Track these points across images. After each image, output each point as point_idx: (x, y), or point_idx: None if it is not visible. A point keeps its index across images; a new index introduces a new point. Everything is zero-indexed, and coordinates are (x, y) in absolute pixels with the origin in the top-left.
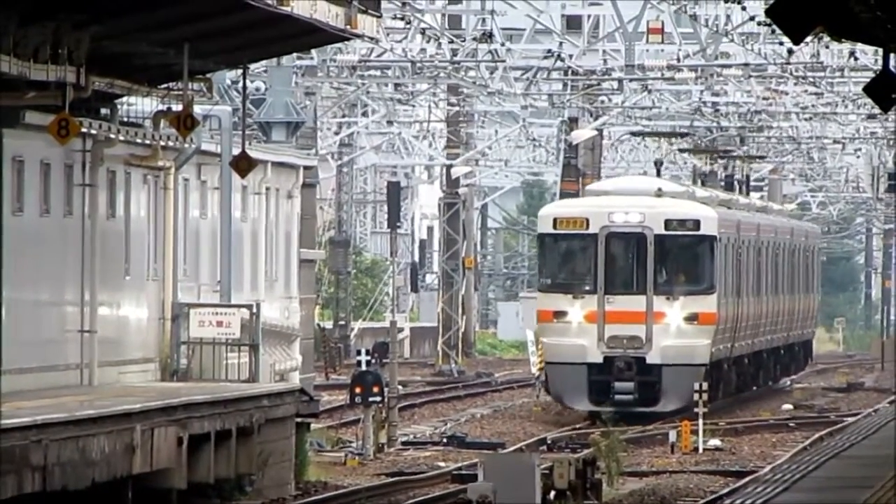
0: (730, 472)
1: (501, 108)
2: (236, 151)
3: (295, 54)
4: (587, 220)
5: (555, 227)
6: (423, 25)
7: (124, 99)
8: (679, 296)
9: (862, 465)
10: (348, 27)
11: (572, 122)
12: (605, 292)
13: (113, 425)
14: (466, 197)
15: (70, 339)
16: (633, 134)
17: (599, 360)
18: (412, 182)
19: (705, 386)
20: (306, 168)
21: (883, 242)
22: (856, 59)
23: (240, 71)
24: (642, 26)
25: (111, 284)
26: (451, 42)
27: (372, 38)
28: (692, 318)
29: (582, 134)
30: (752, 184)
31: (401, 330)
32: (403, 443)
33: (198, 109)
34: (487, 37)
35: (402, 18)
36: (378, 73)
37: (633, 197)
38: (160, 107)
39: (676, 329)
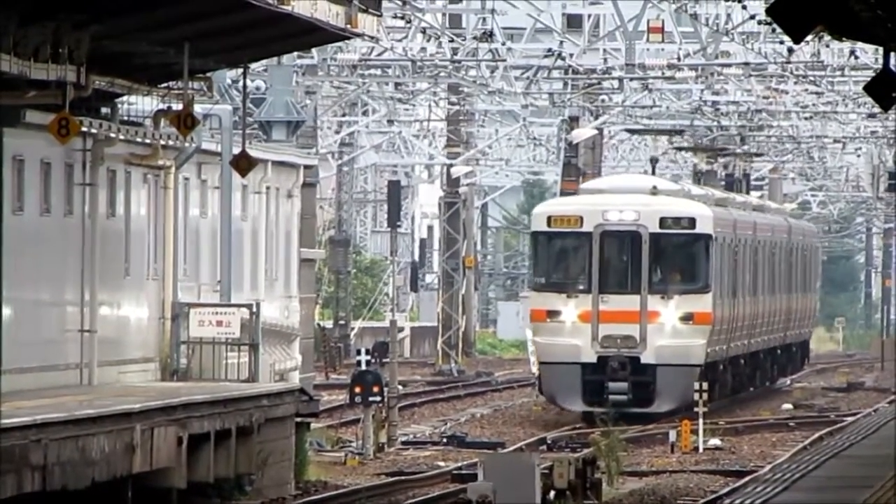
0: (730, 472)
1: (502, 108)
2: (236, 150)
3: (295, 53)
4: (581, 219)
5: (549, 225)
6: (423, 24)
7: (124, 98)
8: (674, 295)
9: (862, 465)
10: (349, 26)
11: (573, 122)
12: (599, 291)
13: (113, 425)
14: (467, 196)
15: (70, 338)
16: (629, 131)
17: (593, 359)
18: (412, 181)
19: (703, 386)
20: (306, 167)
21: (883, 242)
22: (856, 57)
23: (240, 70)
24: (643, 25)
25: (111, 284)
26: (452, 41)
27: (372, 38)
28: (687, 318)
29: (582, 133)
30: (752, 183)
31: (401, 329)
32: (403, 442)
33: (198, 108)
34: (488, 36)
35: (402, 17)
36: (378, 72)
37: (628, 195)
38: (160, 106)
39: (671, 329)
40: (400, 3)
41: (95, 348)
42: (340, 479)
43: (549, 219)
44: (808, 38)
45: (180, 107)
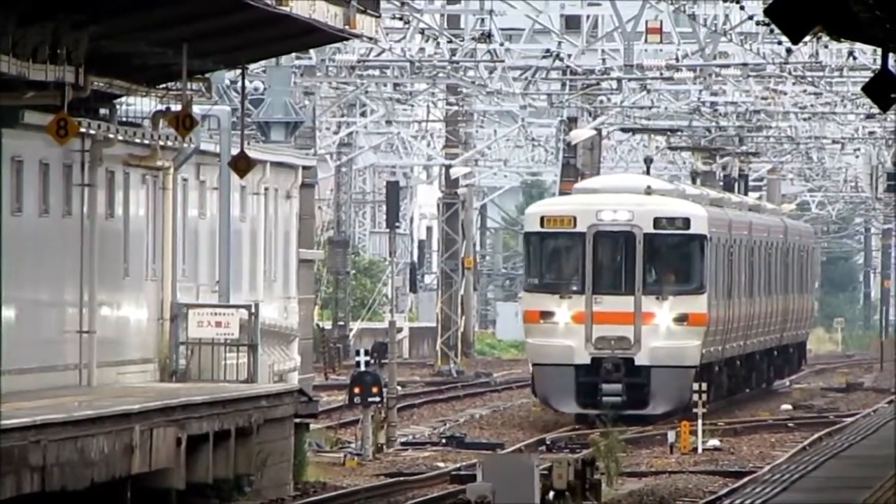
0: (729, 473)
1: (500, 108)
2: (235, 151)
3: (294, 54)
4: (574, 219)
5: (542, 225)
6: (421, 25)
7: (123, 99)
8: (668, 296)
9: (861, 465)
10: (347, 27)
11: (571, 122)
12: (592, 292)
13: (112, 426)
14: (465, 197)
15: (69, 339)
16: (624, 130)
17: (587, 361)
18: (411, 182)
19: (700, 387)
20: (305, 168)
21: (882, 242)
22: (854, 58)
23: (238, 71)
24: (641, 26)
25: (110, 285)
26: (450, 42)
27: (371, 38)
28: (682, 319)
29: (581, 134)
30: (751, 184)
31: (400, 330)
32: (402, 443)
33: (196, 109)
34: (486, 37)
35: (400, 18)
36: (377, 72)
37: (622, 195)
38: (159, 107)
39: (666, 330)
40: (398, 3)
41: (94, 349)
42: (339, 480)
43: (542, 219)
44: (807, 38)
45: (179, 107)
